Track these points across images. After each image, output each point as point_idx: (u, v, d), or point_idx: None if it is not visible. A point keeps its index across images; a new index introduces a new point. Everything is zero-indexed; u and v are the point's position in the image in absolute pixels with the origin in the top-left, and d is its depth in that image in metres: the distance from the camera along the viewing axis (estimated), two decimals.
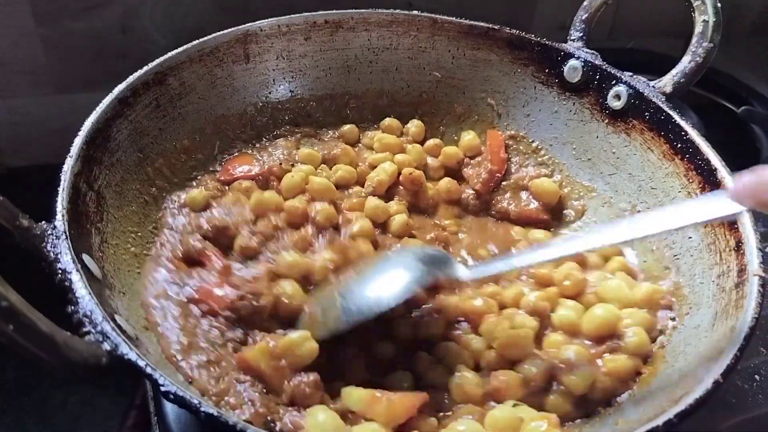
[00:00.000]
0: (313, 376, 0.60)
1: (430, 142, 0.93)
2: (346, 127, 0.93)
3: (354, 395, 0.60)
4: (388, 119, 0.94)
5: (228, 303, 0.66)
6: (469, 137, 0.93)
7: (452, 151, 0.91)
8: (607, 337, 0.67)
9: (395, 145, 0.91)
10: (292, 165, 0.85)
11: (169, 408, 0.72)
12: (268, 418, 0.58)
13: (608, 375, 0.64)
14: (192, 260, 0.72)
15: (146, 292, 0.68)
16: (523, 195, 0.88)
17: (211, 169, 0.85)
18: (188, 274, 0.70)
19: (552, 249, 0.66)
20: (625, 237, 0.64)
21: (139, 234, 0.73)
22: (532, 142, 0.92)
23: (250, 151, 0.88)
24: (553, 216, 0.88)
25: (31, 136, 1.05)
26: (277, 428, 0.58)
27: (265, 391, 0.60)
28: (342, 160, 0.88)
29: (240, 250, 0.73)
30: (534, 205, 0.87)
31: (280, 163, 0.84)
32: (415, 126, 0.94)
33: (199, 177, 0.83)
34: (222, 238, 0.74)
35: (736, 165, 0.80)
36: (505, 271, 0.72)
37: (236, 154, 0.87)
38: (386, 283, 0.66)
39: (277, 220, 0.76)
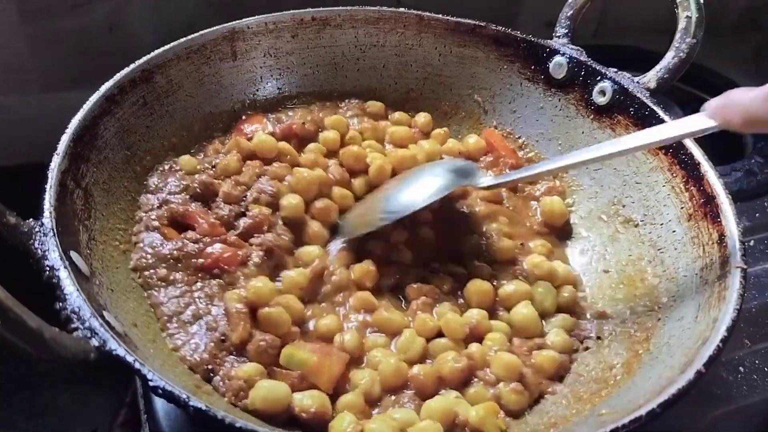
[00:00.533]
0: (273, 340, 0.64)
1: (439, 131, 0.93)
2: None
3: (296, 357, 0.64)
4: (397, 113, 0.94)
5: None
6: (473, 140, 0.92)
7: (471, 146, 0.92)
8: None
9: (407, 138, 0.91)
10: (319, 129, 0.88)
11: (159, 405, 0.72)
12: (208, 366, 0.62)
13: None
14: (179, 225, 0.75)
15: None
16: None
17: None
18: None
19: (562, 159, 0.76)
20: (619, 148, 0.70)
21: (127, 231, 0.73)
22: (519, 138, 0.93)
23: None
24: None
25: (18, 134, 1.04)
26: (216, 378, 0.62)
27: (221, 340, 0.65)
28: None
29: (224, 197, 0.77)
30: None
31: (303, 123, 0.87)
32: (423, 117, 0.94)
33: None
34: (209, 194, 0.78)
35: (720, 159, 0.82)
36: (519, 179, 0.83)
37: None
38: (420, 188, 0.77)
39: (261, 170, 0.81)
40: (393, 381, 0.64)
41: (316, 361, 0.64)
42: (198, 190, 0.77)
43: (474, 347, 0.68)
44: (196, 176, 0.79)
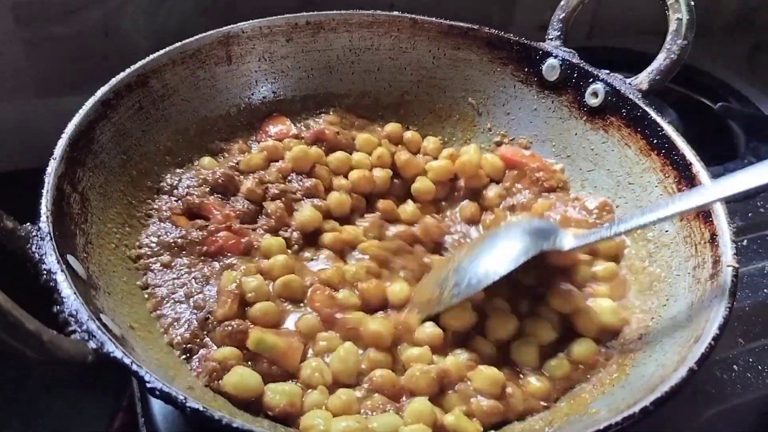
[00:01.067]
0: (240, 324, 0.66)
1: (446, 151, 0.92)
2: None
3: (265, 341, 0.64)
4: (409, 133, 0.94)
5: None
6: (489, 160, 0.89)
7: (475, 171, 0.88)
8: None
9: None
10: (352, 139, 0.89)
11: (157, 409, 0.72)
12: (187, 345, 0.65)
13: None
14: (193, 216, 0.77)
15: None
16: None
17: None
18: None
19: (649, 214, 0.66)
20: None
21: (124, 235, 0.73)
22: (512, 140, 0.93)
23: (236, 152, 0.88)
24: None
25: (13, 140, 1.04)
26: (193, 359, 0.64)
27: (204, 318, 0.67)
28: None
29: (247, 193, 0.79)
30: None
31: (338, 133, 0.88)
32: (431, 143, 0.93)
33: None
34: (230, 188, 0.80)
35: (713, 161, 0.82)
36: (606, 238, 0.70)
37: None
38: (496, 256, 0.70)
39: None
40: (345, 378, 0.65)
41: (284, 345, 0.64)
42: (220, 181, 0.79)
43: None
44: (218, 169, 0.81)
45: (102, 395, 0.98)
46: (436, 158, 0.91)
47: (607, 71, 0.85)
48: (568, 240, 0.71)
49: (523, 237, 0.71)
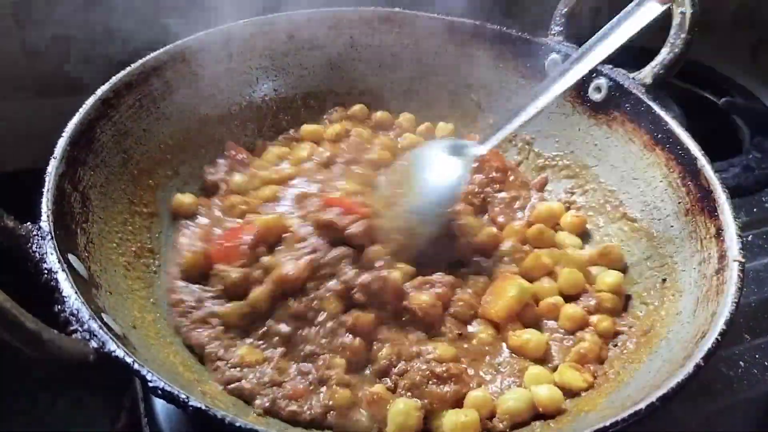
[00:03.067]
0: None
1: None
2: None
3: None
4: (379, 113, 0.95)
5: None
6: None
7: None
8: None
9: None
10: None
11: (159, 408, 0.72)
12: None
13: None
14: None
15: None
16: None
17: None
18: None
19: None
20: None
21: (126, 234, 0.73)
22: (515, 136, 0.92)
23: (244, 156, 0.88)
24: None
25: (14, 140, 1.04)
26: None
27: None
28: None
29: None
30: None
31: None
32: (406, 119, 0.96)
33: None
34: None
35: (718, 156, 0.82)
36: (512, 130, 0.80)
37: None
38: (441, 183, 0.78)
39: None
40: None
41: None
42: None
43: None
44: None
45: (105, 395, 0.98)
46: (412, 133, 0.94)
47: (611, 66, 0.84)
48: (481, 148, 0.81)
49: (451, 158, 0.79)
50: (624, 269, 0.78)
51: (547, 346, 0.70)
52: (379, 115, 0.95)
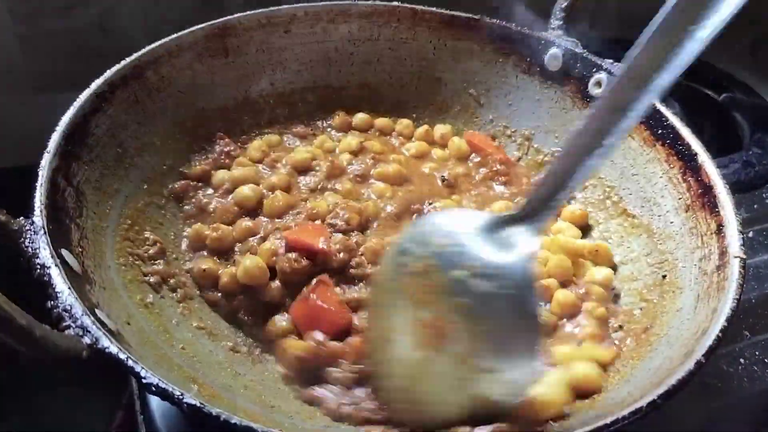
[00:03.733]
0: None
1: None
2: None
3: None
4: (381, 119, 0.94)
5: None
6: (456, 143, 0.91)
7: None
8: None
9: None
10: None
11: (155, 407, 0.72)
12: None
13: None
14: None
15: None
16: None
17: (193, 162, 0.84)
18: None
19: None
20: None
21: (120, 229, 0.72)
22: (515, 131, 0.92)
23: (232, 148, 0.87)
24: None
25: (9, 136, 1.03)
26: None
27: None
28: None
29: None
30: None
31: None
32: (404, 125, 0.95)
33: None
34: None
35: (718, 152, 0.81)
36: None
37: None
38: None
39: None
40: None
41: None
42: None
43: None
44: None
45: (102, 393, 0.97)
46: (409, 139, 0.93)
47: (611, 61, 0.84)
48: (531, 240, 0.58)
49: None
50: (614, 267, 0.77)
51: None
52: (379, 122, 0.94)
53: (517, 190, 0.86)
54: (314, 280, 0.70)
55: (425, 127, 0.93)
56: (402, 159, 0.88)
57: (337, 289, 0.70)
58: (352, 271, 0.72)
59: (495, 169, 0.88)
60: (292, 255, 0.71)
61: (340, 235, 0.74)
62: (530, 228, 0.58)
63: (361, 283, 0.71)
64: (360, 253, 0.73)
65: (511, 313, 0.56)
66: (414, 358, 0.59)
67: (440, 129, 0.93)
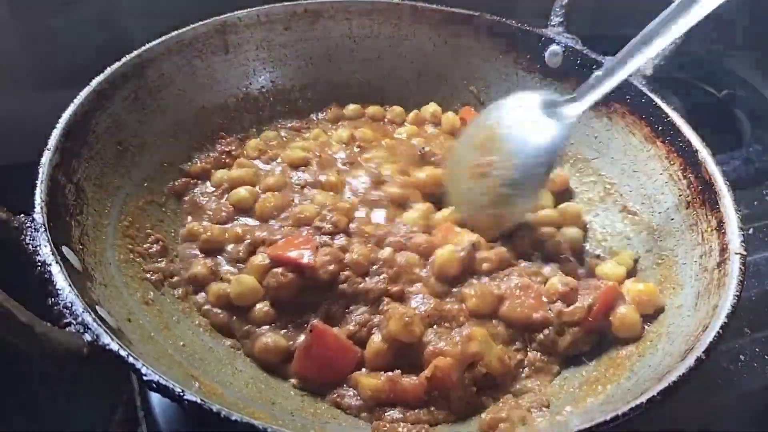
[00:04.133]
0: None
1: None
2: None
3: None
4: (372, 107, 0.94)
5: None
6: (450, 118, 0.92)
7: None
8: None
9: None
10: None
11: (156, 403, 0.72)
12: None
13: None
14: None
15: None
16: None
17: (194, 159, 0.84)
18: None
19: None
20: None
21: (121, 226, 0.72)
22: None
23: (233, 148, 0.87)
24: None
25: (9, 133, 1.03)
26: None
27: None
28: None
29: None
30: None
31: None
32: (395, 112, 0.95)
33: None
34: None
35: (718, 148, 0.81)
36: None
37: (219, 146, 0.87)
38: (539, 151, 0.73)
39: None
40: None
41: None
42: None
43: None
44: None
45: (102, 390, 0.97)
46: (401, 125, 0.93)
47: (611, 57, 0.84)
48: (574, 106, 0.73)
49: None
50: (584, 228, 0.80)
51: None
52: (371, 110, 0.94)
53: None
54: (308, 326, 0.65)
55: (415, 111, 0.94)
56: (392, 142, 0.89)
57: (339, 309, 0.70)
58: (342, 286, 0.69)
59: None
60: (278, 270, 0.69)
61: (328, 248, 0.71)
62: (577, 104, 0.73)
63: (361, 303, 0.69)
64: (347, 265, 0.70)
65: (532, 159, 0.73)
66: (467, 185, 0.77)
67: (429, 108, 0.94)
